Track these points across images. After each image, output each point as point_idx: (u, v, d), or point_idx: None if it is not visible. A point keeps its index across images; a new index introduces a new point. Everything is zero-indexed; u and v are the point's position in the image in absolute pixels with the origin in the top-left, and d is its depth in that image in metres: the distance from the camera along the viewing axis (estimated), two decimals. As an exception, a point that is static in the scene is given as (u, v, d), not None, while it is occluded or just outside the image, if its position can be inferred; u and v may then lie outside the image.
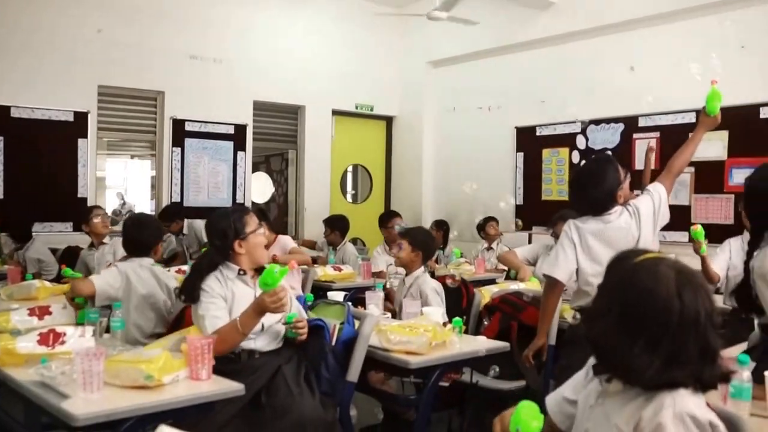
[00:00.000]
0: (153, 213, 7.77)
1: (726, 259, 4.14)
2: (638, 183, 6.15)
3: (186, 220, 7.12)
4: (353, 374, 3.12)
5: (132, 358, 2.47)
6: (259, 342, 2.95)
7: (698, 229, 3.93)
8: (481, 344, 3.39)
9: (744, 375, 2.17)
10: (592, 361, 1.65)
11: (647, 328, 1.41)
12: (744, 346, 2.76)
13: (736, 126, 6.11)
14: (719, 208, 6.43)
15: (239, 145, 8.05)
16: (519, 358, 3.75)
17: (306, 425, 2.79)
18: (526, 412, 1.64)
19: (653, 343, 1.40)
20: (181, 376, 2.48)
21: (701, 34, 6.38)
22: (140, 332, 3.51)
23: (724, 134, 6.35)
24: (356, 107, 9.07)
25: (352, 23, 8.75)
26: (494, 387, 3.77)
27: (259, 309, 2.75)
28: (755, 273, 2.57)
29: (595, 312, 1.52)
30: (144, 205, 9.31)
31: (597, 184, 3.25)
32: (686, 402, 1.41)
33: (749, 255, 2.64)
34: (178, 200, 7.53)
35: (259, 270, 3.04)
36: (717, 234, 4.33)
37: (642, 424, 1.41)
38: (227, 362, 2.81)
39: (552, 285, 3.31)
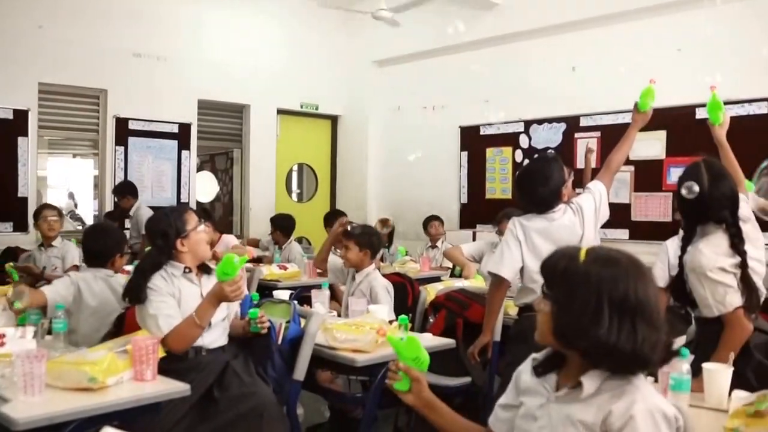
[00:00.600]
0: (96, 213, 7.64)
1: (664, 268, 4.24)
2: (579, 182, 6.32)
3: (137, 203, 7.02)
4: (299, 373, 3.13)
5: (75, 359, 2.43)
6: (206, 338, 2.95)
7: None
8: (426, 341, 3.43)
9: (683, 368, 2.25)
10: (529, 363, 1.69)
11: (641, 314, 1.48)
12: (683, 339, 2.87)
13: (673, 126, 6.31)
14: (658, 206, 6.62)
15: (183, 144, 7.96)
16: (464, 355, 3.81)
17: (263, 409, 2.81)
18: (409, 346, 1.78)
19: (641, 325, 1.48)
20: (126, 378, 2.46)
21: (640, 36, 6.56)
22: (89, 344, 3.45)
23: (662, 134, 6.54)
24: (301, 106, 9.05)
25: (298, 22, 8.72)
26: (440, 384, 3.81)
27: (216, 299, 2.78)
28: (687, 267, 2.67)
29: (578, 319, 1.50)
30: (87, 205, 9.12)
31: (543, 183, 3.30)
32: (654, 397, 1.49)
33: (683, 250, 2.74)
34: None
35: (202, 267, 3.08)
36: (656, 231, 4.45)
37: (612, 419, 1.45)
38: (175, 361, 2.79)
39: (498, 283, 3.35)
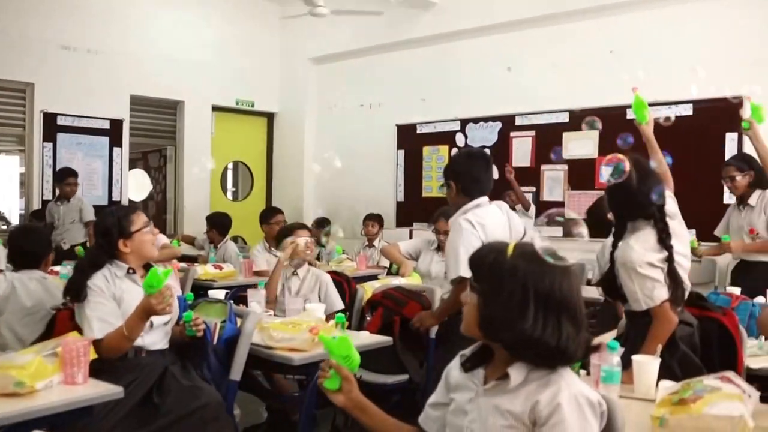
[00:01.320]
0: (22, 212, 7.41)
1: (605, 262, 4.36)
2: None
3: (79, 188, 6.87)
4: (236, 373, 3.10)
5: (2, 363, 2.36)
6: (147, 339, 2.91)
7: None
8: (363, 339, 3.44)
9: (614, 360, 2.32)
10: (458, 359, 1.72)
11: (565, 310, 1.53)
12: (614, 333, 2.95)
13: (605, 126, 6.43)
14: (590, 204, 6.77)
15: (115, 141, 7.77)
16: (402, 352, 3.84)
17: (209, 408, 2.78)
18: (341, 344, 1.77)
19: (565, 321, 1.53)
20: (56, 381, 2.39)
21: (574, 38, 6.72)
22: (22, 345, 3.34)
23: (594, 134, 6.70)
24: (237, 103, 8.95)
25: (234, 18, 8.63)
26: (378, 381, 3.83)
27: (144, 312, 2.71)
28: (618, 262, 2.74)
29: (503, 311, 1.53)
30: (12, 204, 8.82)
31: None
32: (578, 385, 1.53)
33: (614, 246, 2.81)
34: (50, 198, 7.17)
35: (147, 268, 3.01)
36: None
37: (539, 407, 1.49)
38: (114, 360, 2.75)
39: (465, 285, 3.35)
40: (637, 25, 6.37)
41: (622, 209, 2.81)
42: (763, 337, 3.15)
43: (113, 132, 7.73)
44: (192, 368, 3.02)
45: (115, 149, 7.77)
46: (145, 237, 3.01)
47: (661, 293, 2.64)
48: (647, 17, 6.32)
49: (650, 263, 2.65)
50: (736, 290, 3.85)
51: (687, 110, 6.21)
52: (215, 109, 8.78)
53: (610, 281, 2.83)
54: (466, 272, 3.29)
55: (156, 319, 2.87)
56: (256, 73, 8.98)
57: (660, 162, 3.16)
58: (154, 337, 2.95)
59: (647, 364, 2.39)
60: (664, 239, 2.69)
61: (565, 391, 1.50)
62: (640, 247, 2.67)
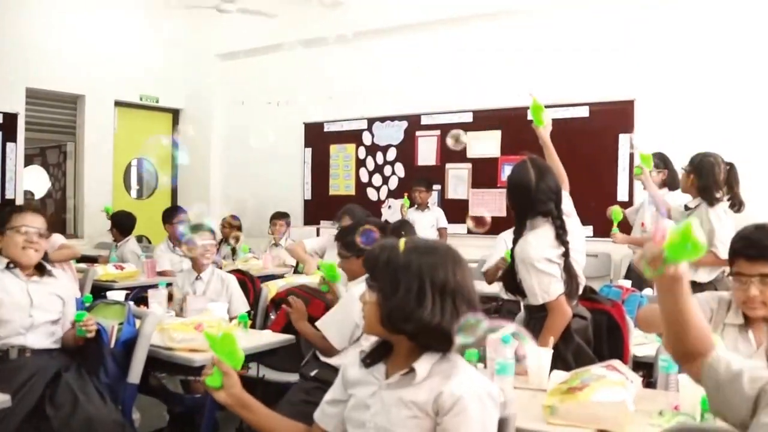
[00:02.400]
0: None
1: (502, 258, 4.47)
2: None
3: None
4: (134, 376, 3.03)
5: None
6: (29, 338, 2.83)
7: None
8: (267, 338, 3.43)
9: (507, 353, 2.39)
10: (355, 356, 1.77)
11: (460, 295, 1.62)
12: (512, 327, 3.04)
13: (507, 126, 6.68)
14: (493, 201, 6.96)
15: (9, 136, 7.41)
16: (307, 351, 3.83)
17: (94, 426, 2.69)
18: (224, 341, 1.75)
19: (461, 304, 1.61)
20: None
21: (479, 40, 6.87)
22: None
23: (497, 134, 6.90)
24: (141, 98, 8.71)
25: (137, 10, 8.39)
26: (281, 380, 3.82)
27: None
28: (517, 258, 2.84)
29: (403, 304, 1.59)
30: None
31: None
32: (479, 378, 1.62)
33: (514, 242, 2.91)
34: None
35: (38, 267, 3.00)
36: (492, 225, 4.67)
37: (442, 399, 1.55)
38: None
39: None
40: (536, 30, 6.59)
41: (522, 207, 2.91)
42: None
43: (7, 126, 7.37)
44: (88, 374, 2.92)
45: (9, 144, 7.41)
46: (15, 238, 2.93)
47: (557, 288, 2.75)
48: (546, 23, 6.54)
49: (548, 259, 2.76)
50: (627, 283, 4.04)
51: (583, 112, 6.46)
52: (118, 104, 8.52)
53: (510, 277, 2.92)
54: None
55: (38, 317, 2.83)
56: (161, 68, 8.75)
57: (555, 163, 3.27)
58: (37, 336, 2.88)
59: (540, 355, 2.48)
60: (561, 236, 2.81)
61: (466, 383, 1.58)
62: (539, 243, 2.78)
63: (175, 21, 8.70)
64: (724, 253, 3.81)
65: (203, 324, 1.52)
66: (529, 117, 3.30)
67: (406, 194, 6.75)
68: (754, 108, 5.64)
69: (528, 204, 2.85)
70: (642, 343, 3.13)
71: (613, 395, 1.99)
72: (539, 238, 2.79)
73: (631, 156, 6.13)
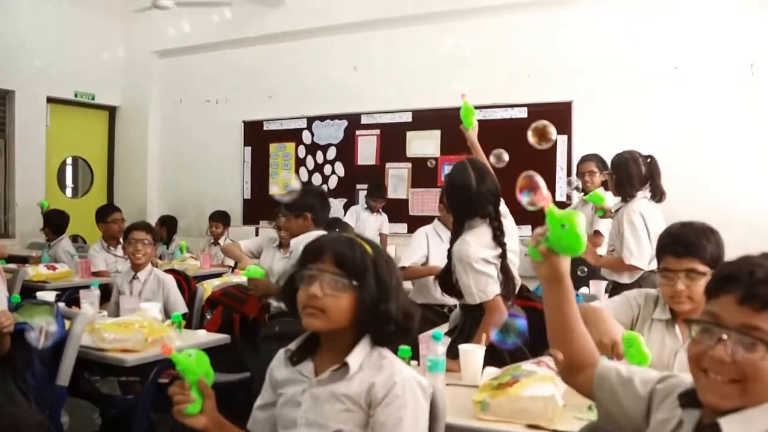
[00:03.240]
0: None
1: (423, 252, 4.49)
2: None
3: None
4: (63, 378, 2.95)
5: None
6: None
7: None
8: (202, 338, 3.38)
9: (439, 350, 2.41)
10: (281, 356, 1.75)
11: (403, 291, 1.69)
12: (445, 327, 3.07)
13: (446, 127, 6.73)
14: (433, 201, 6.99)
15: (-68, 133, 7.17)
16: (243, 350, 3.81)
17: (20, 429, 2.61)
18: (200, 362, 1.63)
19: (404, 298, 1.69)
20: None
21: (418, 41, 6.91)
22: None
23: (436, 134, 6.95)
24: (75, 95, 8.49)
25: (73, 5, 8.15)
26: (219, 380, 3.76)
27: None
28: (455, 258, 2.85)
29: (377, 301, 1.62)
30: None
31: None
32: (409, 370, 1.66)
33: (451, 243, 2.92)
34: None
35: None
36: (430, 223, 4.72)
37: (375, 389, 1.58)
38: None
39: None
40: (477, 32, 6.65)
41: (461, 208, 2.93)
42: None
43: (-69, 123, 7.13)
44: (12, 378, 2.83)
45: (-68, 142, 7.16)
46: None
47: (494, 288, 2.77)
48: (486, 24, 6.62)
49: (485, 259, 2.77)
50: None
51: (522, 113, 6.55)
52: (51, 100, 8.28)
53: (447, 277, 2.94)
54: None
55: None
56: (97, 64, 8.52)
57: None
58: None
59: (472, 352, 2.51)
60: (498, 237, 2.83)
61: (398, 375, 1.60)
62: (476, 243, 2.79)
63: (112, 17, 8.52)
64: (630, 259, 3.94)
65: (168, 347, 1.44)
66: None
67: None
68: (683, 109, 5.84)
69: (467, 205, 2.87)
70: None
71: (542, 390, 2.02)
72: (477, 239, 2.81)
73: (569, 156, 6.26)
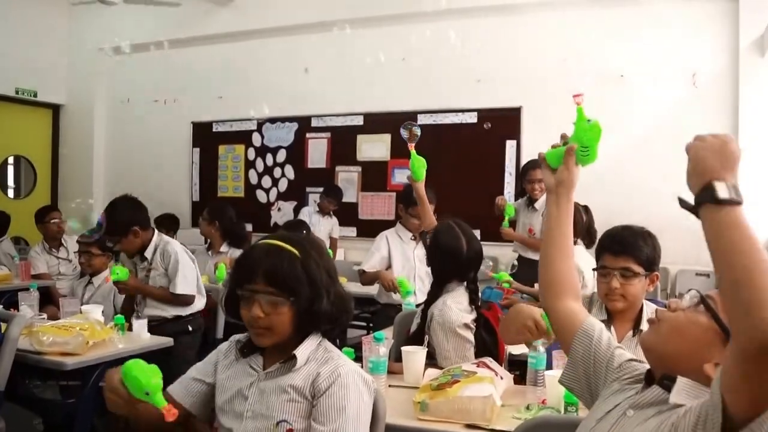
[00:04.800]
0: None
1: (383, 255, 4.49)
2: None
3: None
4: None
5: None
6: None
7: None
8: (145, 341, 3.34)
9: (380, 351, 2.42)
10: (229, 345, 1.82)
11: (337, 283, 1.76)
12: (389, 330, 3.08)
13: (397, 130, 6.69)
14: (383, 205, 7.04)
15: None
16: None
17: None
18: (138, 369, 1.57)
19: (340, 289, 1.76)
20: None
21: (370, 43, 6.91)
22: None
23: (387, 137, 6.97)
24: (17, 92, 8.24)
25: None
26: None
27: None
28: (435, 321, 2.72)
29: (311, 302, 1.67)
30: None
31: None
32: (353, 364, 1.73)
33: (427, 304, 2.83)
34: None
35: None
36: (382, 228, 4.72)
37: (319, 380, 1.64)
38: None
39: None
40: (428, 36, 6.68)
41: (447, 272, 2.86)
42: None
43: None
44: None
45: None
46: None
47: (471, 354, 2.68)
48: (437, 29, 6.64)
49: (466, 324, 2.71)
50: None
51: (472, 118, 6.62)
52: (-9, 97, 8.07)
53: (419, 336, 2.80)
54: None
55: None
56: (40, 61, 8.30)
57: (429, 214, 3.48)
58: None
59: (414, 354, 2.53)
60: (474, 300, 2.80)
61: (343, 367, 1.67)
62: (457, 308, 2.72)
63: (55, 12, 8.33)
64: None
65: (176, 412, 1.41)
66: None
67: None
68: (630, 116, 5.96)
69: (455, 270, 2.83)
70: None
71: (480, 390, 2.06)
72: (457, 303, 2.74)
73: (518, 161, 6.34)
